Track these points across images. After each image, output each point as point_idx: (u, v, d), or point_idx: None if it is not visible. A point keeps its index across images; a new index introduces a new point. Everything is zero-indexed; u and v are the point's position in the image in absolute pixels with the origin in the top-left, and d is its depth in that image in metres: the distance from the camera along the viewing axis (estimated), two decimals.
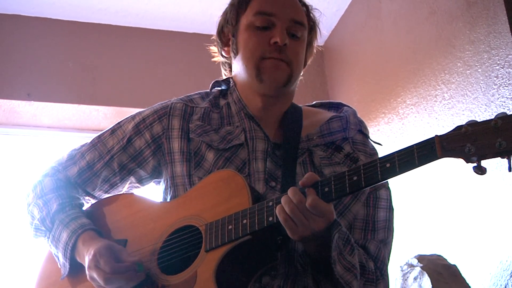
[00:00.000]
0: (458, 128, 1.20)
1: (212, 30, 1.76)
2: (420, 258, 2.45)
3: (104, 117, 3.48)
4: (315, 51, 1.76)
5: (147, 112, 1.71)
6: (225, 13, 1.73)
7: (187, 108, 1.68)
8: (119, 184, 1.72)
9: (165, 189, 1.66)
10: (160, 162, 1.66)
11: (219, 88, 1.76)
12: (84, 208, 1.72)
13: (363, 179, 1.29)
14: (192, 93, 1.76)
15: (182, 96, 1.74)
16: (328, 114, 1.69)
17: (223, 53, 1.75)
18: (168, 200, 1.63)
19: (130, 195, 1.71)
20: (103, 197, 1.74)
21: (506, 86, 2.41)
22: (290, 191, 1.34)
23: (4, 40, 3.32)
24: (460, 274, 2.39)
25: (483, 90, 2.53)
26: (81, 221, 1.60)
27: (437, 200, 2.77)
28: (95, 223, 1.62)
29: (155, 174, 1.70)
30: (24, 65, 3.31)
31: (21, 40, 3.35)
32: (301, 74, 1.71)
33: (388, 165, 1.26)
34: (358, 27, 3.54)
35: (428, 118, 2.88)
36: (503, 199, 2.38)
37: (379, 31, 3.35)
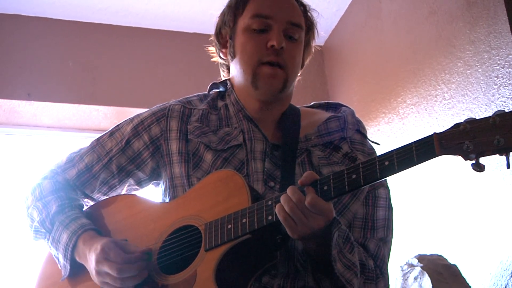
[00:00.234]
0: (456, 125, 1.21)
1: (212, 30, 1.76)
2: (420, 258, 2.45)
3: (104, 117, 3.48)
4: (313, 50, 1.76)
5: (145, 114, 1.71)
6: (223, 14, 1.73)
7: (185, 110, 1.68)
8: (117, 186, 1.72)
9: (164, 190, 1.66)
10: (159, 163, 1.66)
11: (217, 90, 1.76)
12: (84, 209, 1.71)
13: (362, 177, 1.29)
14: (190, 95, 1.76)
15: (180, 98, 1.74)
16: (326, 115, 1.69)
17: (221, 55, 1.75)
18: (168, 201, 1.63)
19: (130, 196, 1.71)
20: (101, 200, 1.73)
21: (506, 86, 2.41)
22: (289, 190, 1.34)
23: (4, 40, 3.32)
24: (461, 274, 2.38)
25: (483, 90, 2.53)
26: (81, 221, 1.60)
27: (437, 200, 2.77)
28: (95, 224, 1.62)
29: (154, 176, 1.70)
30: (24, 65, 3.31)
31: (21, 40, 3.35)
32: (300, 74, 1.72)
33: (386, 163, 1.26)
34: (358, 27, 3.54)
35: (428, 118, 2.87)
36: (503, 199, 2.38)
37: (379, 31, 3.35)
